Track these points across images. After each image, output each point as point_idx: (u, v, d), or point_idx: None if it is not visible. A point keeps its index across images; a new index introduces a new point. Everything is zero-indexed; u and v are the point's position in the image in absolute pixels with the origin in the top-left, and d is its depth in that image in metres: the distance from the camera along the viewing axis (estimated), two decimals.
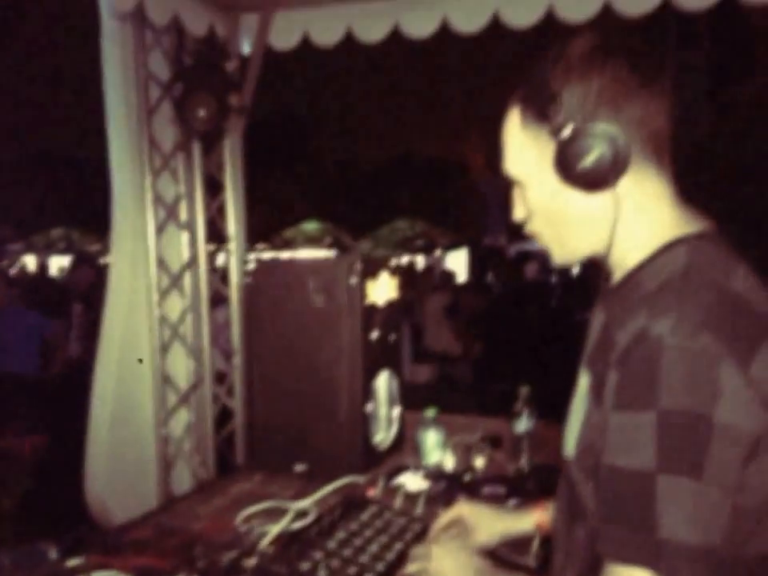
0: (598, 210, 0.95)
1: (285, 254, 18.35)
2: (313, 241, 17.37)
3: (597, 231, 0.96)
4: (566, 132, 0.91)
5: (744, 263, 0.90)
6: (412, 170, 22.73)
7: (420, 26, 2.91)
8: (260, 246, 16.29)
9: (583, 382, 0.99)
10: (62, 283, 9.43)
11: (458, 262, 14.11)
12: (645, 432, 0.80)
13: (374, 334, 2.18)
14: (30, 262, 15.35)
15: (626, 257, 0.96)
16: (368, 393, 2.19)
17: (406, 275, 8.50)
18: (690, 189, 1.05)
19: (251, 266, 2.20)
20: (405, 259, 17.45)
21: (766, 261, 1.17)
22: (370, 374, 2.20)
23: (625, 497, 0.81)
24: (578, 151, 0.90)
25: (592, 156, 0.89)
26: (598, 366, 0.92)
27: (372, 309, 2.18)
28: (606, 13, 2.66)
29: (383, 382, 2.28)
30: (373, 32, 2.97)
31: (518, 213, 1.04)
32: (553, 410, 1.47)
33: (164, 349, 3.20)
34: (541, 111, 0.93)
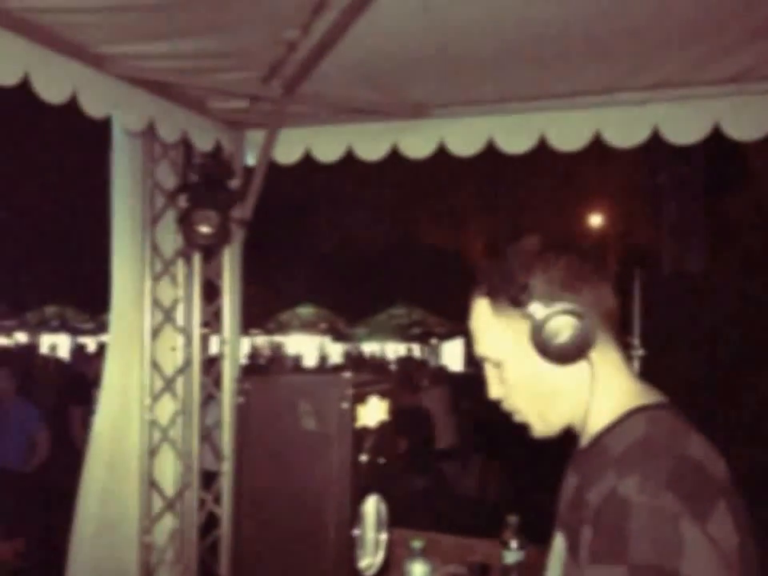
0: (573, 382, 1.06)
1: (278, 338, 18.34)
2: (307, 325, 17.37)
3: (573, 401, 1.07)
4: (540, 314, 1.02)
5: (696, 431, 1.00)
6: (410, 256, 23.00)
7: (418, 148, 3.04)
8: (253, 331, 16.28)
9: (558, 542, 1.06)
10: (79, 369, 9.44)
11: (453, 353, 14.07)
12: None
13: (364, 458, 2.17)
14: (22, 338, 15.32)
15: (593, 423, 1.06)
16: (356, 517, 2.16)
17: (405, 366, 8.47)
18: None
19: (245, 385, 2.21)
20: (400, 348, 17.42)
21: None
22: (359, 498, 2.17)
23: None
24: (553, 330, 1.02)
25: (566, 333, 1.01)
26: (572, 525, 0.99)
27: (363, 432, 2.18)
28: (597, 143, 2.79)
29: (371, 506, 2.25)
30: (372, 151, 3.10)
31: (495, 392, 1.12)
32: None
33: (152, 452, 3.16)
34: (513, 299, 1.05)
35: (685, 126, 2.67)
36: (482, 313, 1.10)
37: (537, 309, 1.02)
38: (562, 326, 1.01)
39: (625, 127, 2.73)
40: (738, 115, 2.59)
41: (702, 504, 0.89)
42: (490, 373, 1.12)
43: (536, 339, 1.03)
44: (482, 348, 1.12)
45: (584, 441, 1.08)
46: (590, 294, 1.04)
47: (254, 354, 14.76)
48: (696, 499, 0.88)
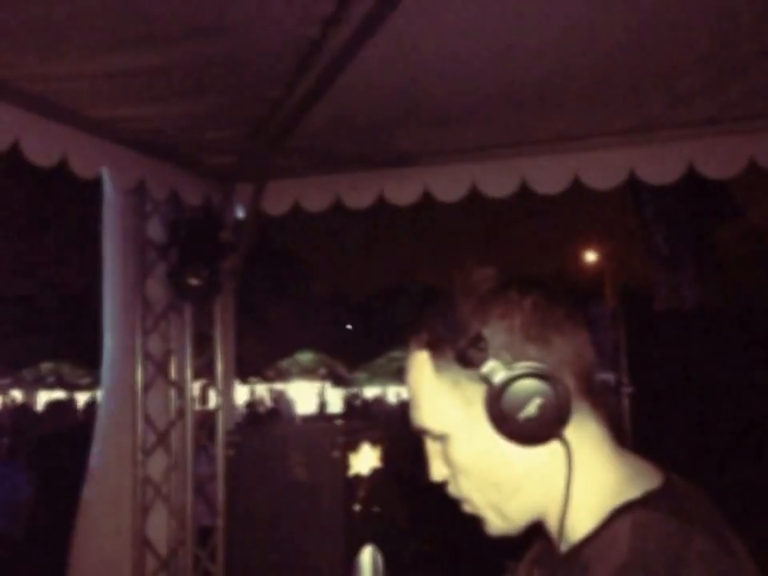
0: (541, 468, 0.81)
1: (278, 386, 18.27)
2: (307, 372, 17.33)
3: (541, 493, 0.82)
4: (499, 376, 0.77)
5: (699, 523, 0.76)
6: (407, 299, 23.11)
7: (403, 196, 3.10)
8: (253, 379, 16.23)
9: None
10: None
11: None
12: None
13: (357, 507, 2.16)
14: (18, 396, 15.28)
15: (570, 525, 0.81)
16: (351, 568, 2.13)
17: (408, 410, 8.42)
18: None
19: (235, 437, 2.22)
20: (402, 391, 17.35)
21: None
22: (353, 549, 2.16)
23: None
24: (516, 399, 0.77)
25: (534, 403, 0.77)
26: None
27: (356, 480, 2.17)
28: (576, 186, 2.85)
29: (367, 557, 2.23)
30: (359, 200, 3.16)
31: (437, 474, 0.87)
32: None
33: (145, 510, 3.13)
34: (461, 355, 0.79)
35: (660, 167, 2.74)
36: (421, 371, 0.84)
37: (494, 369, 0.77)
38: (529, 394, 0.77)
39: (602, 170, 2.80)
40: (710, 155, 2.67)
41: None
42: (432, 448, 0.87)
43: (492, 411, 0.78)
44: (420, 416, 0.85)
45: (559, 544, 0.83)
46: (563, 347, 0.80)
47: (253, 403, 14.67)
48: None
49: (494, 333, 0.79)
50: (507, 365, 0.78)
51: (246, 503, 2.25)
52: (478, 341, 0.78)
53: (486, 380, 0.78)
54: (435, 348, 0.82)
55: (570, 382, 0.79)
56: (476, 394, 0.80)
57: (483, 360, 0.78)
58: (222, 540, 3.20)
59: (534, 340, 0.79)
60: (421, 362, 0.84)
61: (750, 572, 0.76)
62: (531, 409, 0.77)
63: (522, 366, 0.77)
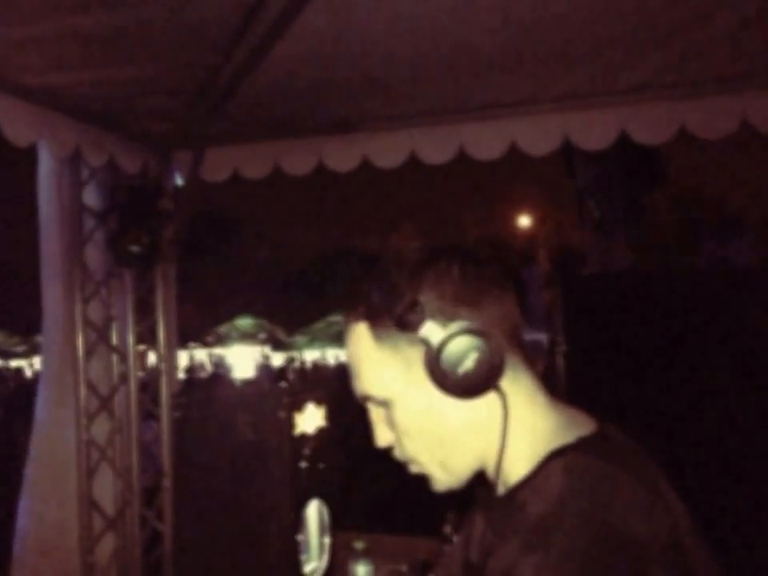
0: (481, 419, 0.88)
1: (217, 351, 18.17)
2: (247, 336, 17.30)
3: (482, 444, 0.89)
4: (436, 337, 0.84)
5: (630, 468, 0.82)
6: (346, 263, 23.17)
7: (343, 162, 3.14)
8: (192, 344, 16.08)
9: None
10: None
11: None
12: None
13: (303, 464, 2.26)
14: None
15: (508, 470, 0.88)
16: (299, 522, 2.24)
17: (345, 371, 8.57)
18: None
19: (181, 399, 2.27)
20: (341, 354, 17.57)
21: None
22: (301, 504, 2.26)
23: None
24: (454, 355, 0.84)
25: (471, 357, 0.83)
26: None
27: (301, 439, 2.27)
28: (513, 151, 2.95)
29: (313, 511, 2.34)
30: (299, 167, 3.18)
31: (383, 438, 0.94)
32: None
33: (91, 472, 3.16)
34: (400, 320, 0.85)
35: (593, 133, 2.85)
36: (361, 341, 0.90)
37: (431, 330, 0.84)
38: (465, 350, 0.83)
39: (538, 136, 2.89)
40: (641, 122, 2.78)
41: None
42: (375, 415, 0.94)
43: (433, 368, 0.84)
44: (363, 385, 0.92)
45: (499, 487, 0.90)
46: (492, 309, 0.87)
47: (193, 368, 14.55)
48: None
49: (428, 299, 0.85)
50: (443, 325, 0.84)
51: (193, 464, 2.31)
52: (414, 305, 0.85)
53: (424, 341, 0.84)
54: (373, 317, 0.89)
55: (500, 339, 0.86)
56: (415, 357, 0.86)
57: (421, 322, 0.84)
58: (169, 500, 3.26)
59: (466, 303, 0.86)
60: (360, 334, 0.90)
61: (678, 516, 0.81)
62: (468, 363, 0.83)
63: (457, 325, 0.84)
